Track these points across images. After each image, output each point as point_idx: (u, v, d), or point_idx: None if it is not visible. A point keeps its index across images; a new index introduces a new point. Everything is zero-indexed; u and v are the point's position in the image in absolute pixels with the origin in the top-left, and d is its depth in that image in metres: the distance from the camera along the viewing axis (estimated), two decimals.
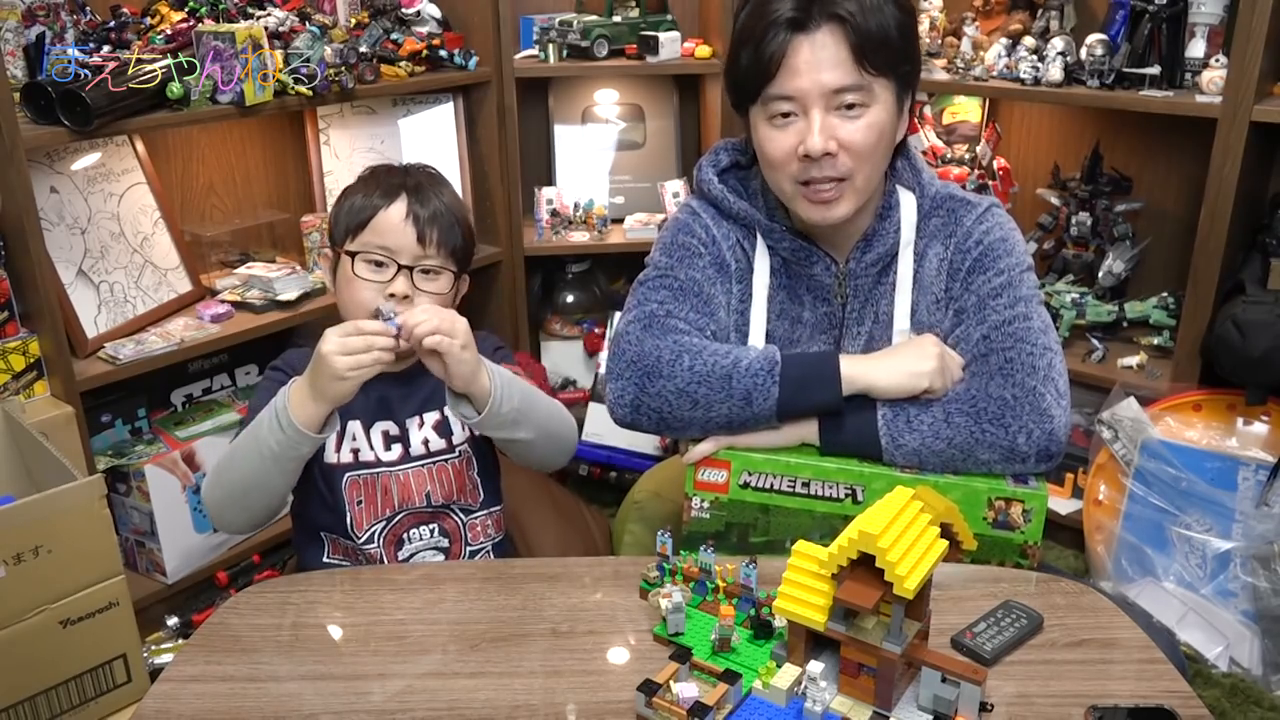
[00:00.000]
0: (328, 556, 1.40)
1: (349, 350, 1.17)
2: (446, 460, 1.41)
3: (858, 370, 1.26)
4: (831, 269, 1.36)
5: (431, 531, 1.41)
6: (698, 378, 1.26)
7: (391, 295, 1.31)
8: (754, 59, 1.25)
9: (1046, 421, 1.23)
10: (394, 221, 1.32)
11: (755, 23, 1.25)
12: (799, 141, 1.25)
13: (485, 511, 1.45)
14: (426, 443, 1.40)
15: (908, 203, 1.36)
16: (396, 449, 1.39)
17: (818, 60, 1.22)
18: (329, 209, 2.49)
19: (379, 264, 1.33)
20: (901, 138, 1.34)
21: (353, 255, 1.33)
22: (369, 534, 1.38)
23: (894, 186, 1.37)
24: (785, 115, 1.26)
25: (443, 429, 1.41)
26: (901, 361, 1.27)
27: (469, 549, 1.43)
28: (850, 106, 1.24)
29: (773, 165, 1.30)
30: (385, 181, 1.37)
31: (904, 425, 1.25)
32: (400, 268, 1.32)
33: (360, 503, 1.37)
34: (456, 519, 1.42)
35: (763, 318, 1.38)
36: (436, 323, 1.19)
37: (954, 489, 1.24)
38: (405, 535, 1.40)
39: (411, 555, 1.40)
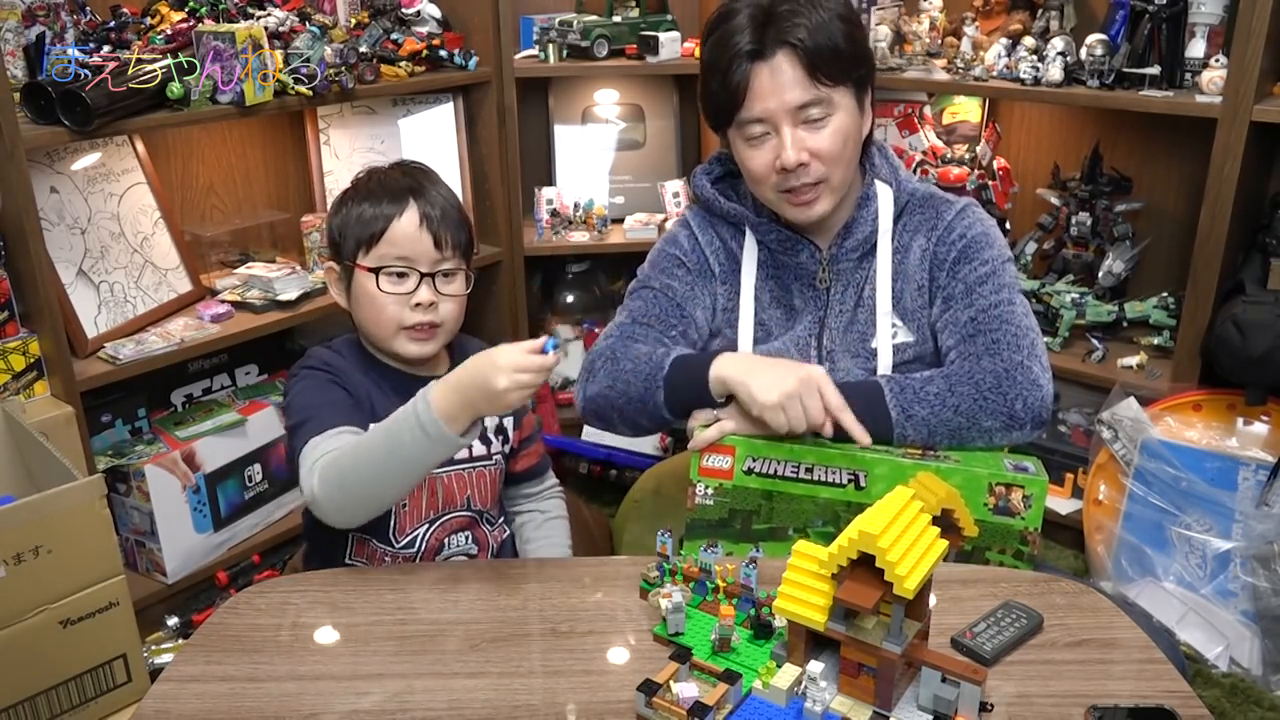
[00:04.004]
0: (349, 557, 1.38)
1: (524, 386, 1.14)
2: (485, 467, 1.43)
3: (734, 374, 1.28)
4: (816, 256, 1.44)
5: (465, 539, 1.42)
6: (613, 378, 1.39)
7: (418, 304, 1.32)
8: (722, 88, 1.35)
9: (1037, 390, 1.33)
10: (409, 230, 1.32)
11: (718, 56, 1.35)
12: (775, 156, 1.35)
13: (501, 521, 1.49)
14: (470, 447, 1.39)
15: (885, 195, 1.45)
16: None
17: (778, 84, 1.32)
18: (328, 212, 2.51)
19: (399, 274, 1.33)
20: (868, 131, 1.44)
21: (375, 271, 1.32)
22: (410, 538, 1.38)
23: (871, 180, 1.45)
24: (759, 135, 1.36)
25: (483, 437, 1.42)
26: (776, 378, 1.26)
27: (491, 559, 1.45)
28: (815, 119, 1.34)
29: (755, 180, 1.40)
30: (388, 187, 1.35)
31: (912, 396, 1.31)
32: (422, 276, 1.32)
33: (405, 506, 1.36)
34: (484, 529, 1.45)
35: (751, 308, 1.46)
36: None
37: (954, 475, 1.25)
38: (445, 541, 1.40)
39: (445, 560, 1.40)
